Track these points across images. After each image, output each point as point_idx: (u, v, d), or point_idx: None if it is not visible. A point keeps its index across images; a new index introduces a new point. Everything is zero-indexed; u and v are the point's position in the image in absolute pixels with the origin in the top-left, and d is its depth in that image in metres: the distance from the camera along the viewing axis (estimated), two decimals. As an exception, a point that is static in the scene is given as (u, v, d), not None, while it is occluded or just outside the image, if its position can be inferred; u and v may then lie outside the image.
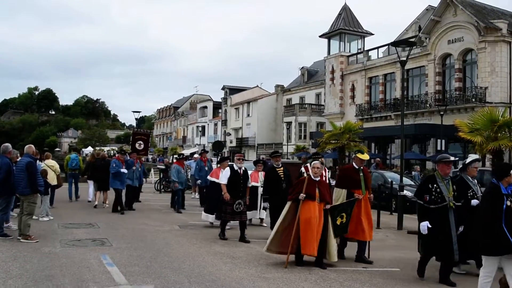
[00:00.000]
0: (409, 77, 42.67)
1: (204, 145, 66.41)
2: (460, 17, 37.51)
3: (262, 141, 65.91)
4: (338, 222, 9.58)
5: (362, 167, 10.31)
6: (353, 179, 10.11)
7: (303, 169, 12.69)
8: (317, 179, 9.56)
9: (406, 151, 34.10)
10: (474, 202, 8.87)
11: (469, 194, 9.01)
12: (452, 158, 8.66)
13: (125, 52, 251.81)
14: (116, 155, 20.43)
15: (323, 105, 55.79)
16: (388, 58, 45.14)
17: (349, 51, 52.08)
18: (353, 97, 49.46)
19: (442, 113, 32.04)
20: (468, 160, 9.42)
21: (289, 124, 57.57)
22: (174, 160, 22.74)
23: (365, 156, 10.33)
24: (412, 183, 22.89)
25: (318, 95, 60.17)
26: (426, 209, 8.30)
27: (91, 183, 20.73)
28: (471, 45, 37.02)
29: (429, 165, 38.62)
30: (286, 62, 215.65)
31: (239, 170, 12.32)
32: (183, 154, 20.90)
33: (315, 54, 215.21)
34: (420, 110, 40.43)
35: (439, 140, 32.59)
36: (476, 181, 9.37)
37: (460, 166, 10.00)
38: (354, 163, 10.40)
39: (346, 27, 51.54)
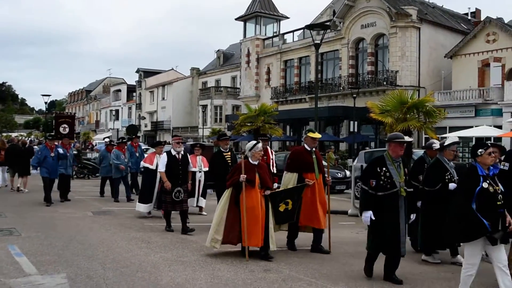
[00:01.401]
0: (323, 61, 43.45)
1: (117, 129, 64.99)
2: (373, 3, 38.43)
3: (178, 125, 65.31)
4: (281, 209, 8.88)
5: (314, 149, 9.43)
6: (305, 162, 9.21)
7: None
8: (256, 162, 8.83)
9: (320, 133, 34.65)
10: (452, 185, 8.26)
11: (446, 178, 8.41)
12: (407, 138, 7.68)
13: (34, 32, 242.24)
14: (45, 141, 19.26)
15: (238, 88, 55.95)
16: (303, 42, 45.66)
17: (265, 34, 52.41)
18: (268, 80, 49.83)
19: (355, 95, 32.80)
20: (446, 142, 8.75)
21: (204, 107, 57.39)
22: (105, 145, 21.67)
23: (317, 135, 9.41)
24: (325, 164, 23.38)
25: (234, 78, 60.22)
26: (372, 197, 7.24)
27: (1, 169, 20.08)
28: (383, 30, 38.06)
29: (342, 146, 39.62)
30: (201, 45, 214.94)
31: (177, 155, 11.19)
32: (123, 138, 19.55)
33: (231, 37, 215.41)
34: (334, 93, 41.26)
35: (351, 122, 33.37)
36: (452, 164, 8.73)
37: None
38: (305, 145, 9.42)
39: (262, 10, 51.79)
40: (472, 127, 30.15)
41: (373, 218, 7.14)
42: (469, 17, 47.08)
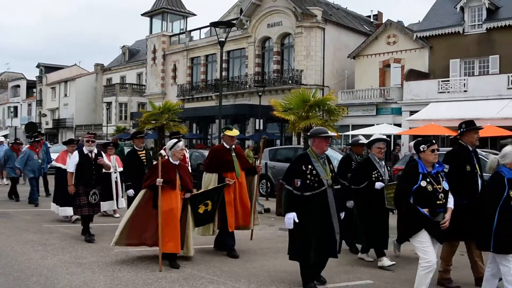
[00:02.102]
0: (230, 59, 43.61)
1: (16, 127, 62.22)
2: (279, 2, 38.91)
3: (81, 122, 63.40)
4: (200, 211, 8.43)
5: (234, 146, 9.03)
6: (224, 161, 8.78)
7: (163, 151, 11.36)
8: (176, 162, 8.30)
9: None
10: (379, 185, 8.12)
11: (373, 176, 8.21)
12: (330, 133, 7.08)
13: None
14: None
15: (144, 85, 55.15)
16: (210, 39, 45.59)
17: (172, 31, 51.98)
18: (174, 77, 49.43)
19: (260, 94, 33.08)
20: (371, 139, 8.64)
21: (109, 104, 56.06)
22: (10, 144, 20.37)
23: (234, 132, 9.00)
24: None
25: (139, 75, 59.27)
26: (296, 197, 6.62)
27: None
28: (289, 29, 38.65)
29: (248, 144, 39.90)
30: (106, 40, 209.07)
31: (90, 154, 10.12)
32: (35, 136, 17.89)
33: (137, 33, 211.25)
34: (240, 91, 41.51)
35: (257, 120, 33.66)
36: (384, 163, 8.49)
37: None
38: (224, 143, 9.07)
39: (168, 6, 51.37)
40: (373, 125, 31.11)
41: (296, 220, 6.55)
42: (372, 20, 48.71)
